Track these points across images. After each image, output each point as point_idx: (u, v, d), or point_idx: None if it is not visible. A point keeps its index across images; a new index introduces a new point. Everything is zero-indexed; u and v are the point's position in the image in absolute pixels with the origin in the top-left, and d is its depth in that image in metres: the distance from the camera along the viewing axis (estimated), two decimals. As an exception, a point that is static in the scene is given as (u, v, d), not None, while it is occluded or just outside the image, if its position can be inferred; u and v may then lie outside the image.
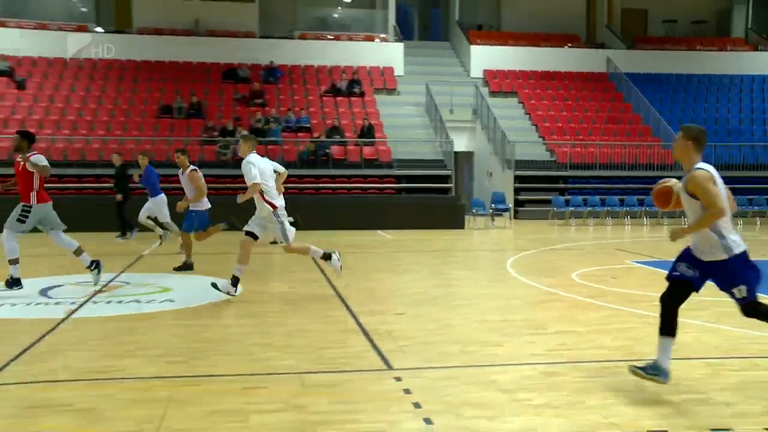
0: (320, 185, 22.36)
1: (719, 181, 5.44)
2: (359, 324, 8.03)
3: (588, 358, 6.66)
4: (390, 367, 6.34)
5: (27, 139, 9.71)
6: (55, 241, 9.99)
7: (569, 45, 30.95)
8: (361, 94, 26.84)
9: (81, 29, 28.44)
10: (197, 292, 10.14)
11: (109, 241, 16.36)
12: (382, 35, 30.30)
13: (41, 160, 9.56)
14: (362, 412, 5.19)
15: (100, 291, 9.98)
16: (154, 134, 23.46)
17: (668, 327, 5.54)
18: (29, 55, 26.60)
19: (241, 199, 9.48)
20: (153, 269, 12.38)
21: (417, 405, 5.29)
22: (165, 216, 15.52)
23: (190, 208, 12.27)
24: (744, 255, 5.46)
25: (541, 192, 23.93)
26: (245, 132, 10.82)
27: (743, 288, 5.41)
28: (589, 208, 22.68)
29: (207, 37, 28.32)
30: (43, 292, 9.88)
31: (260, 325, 8.04)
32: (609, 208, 22.80)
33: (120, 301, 9.35)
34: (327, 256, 9.84)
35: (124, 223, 17.05)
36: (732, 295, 5.47)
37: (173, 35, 28.21)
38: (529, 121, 26.95)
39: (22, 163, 9.58)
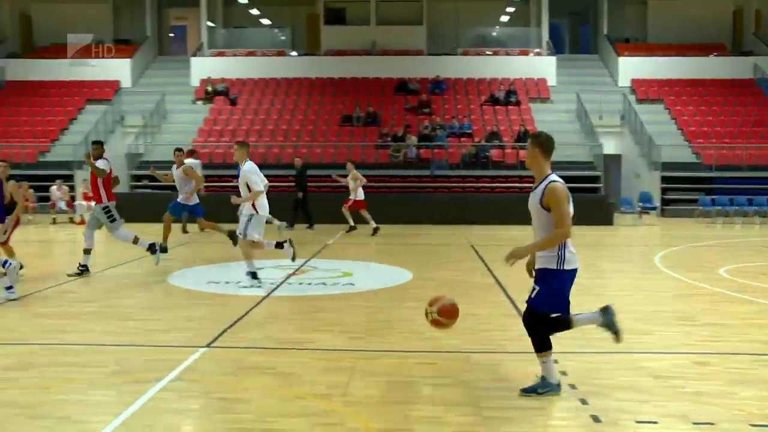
0: (480, 184, 22.12)
1: (570, 197, 4.83)
2: (518, 310, 7.83)
3: (741, 351, 6.14)
4: (547, 350, 6.12)
5: (102, 147, 10.39)
6: (86, 233, 10.25)
7: (715, 54, 28.81)
8: (517, 103, 26.29)
9: (280, 54, 29.86)
10: (375, 277, 10.30)
11: (300, 231, 16.95)
12: (536, 50, 29.56)
13: (104, 164, 10.15)
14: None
15: (293, 274, 10.33)
16: (336, 140, 24.11)
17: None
18: (240, 77, 28.17)
19: (235, 201, 9.53)
20: (337, 256, 12.66)
21: (573, 386, 5.07)
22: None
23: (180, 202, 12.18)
24: (571, 274, 4.80)
25: (687, 192, 22.46)
26: (240, 140, 10.81)
27: (537, 289, 4.84)
28: (735, 208, 21.04)
29: (382, 56, 28.74)
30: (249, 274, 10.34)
31: (429, 308, 8.01)
32: (757, 208, 21.04)
33: (309, 284, 9.63)
34: (279, 245, 9.73)
35: (308, 215, 17.62)
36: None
37: (353, 55, 28.88)
38: (674, 126, 25.34)
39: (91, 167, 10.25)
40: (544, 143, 4.97)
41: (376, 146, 23.54)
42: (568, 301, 4.87)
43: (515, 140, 23.47)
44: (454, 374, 5.42)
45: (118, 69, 27.98)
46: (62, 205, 20.00)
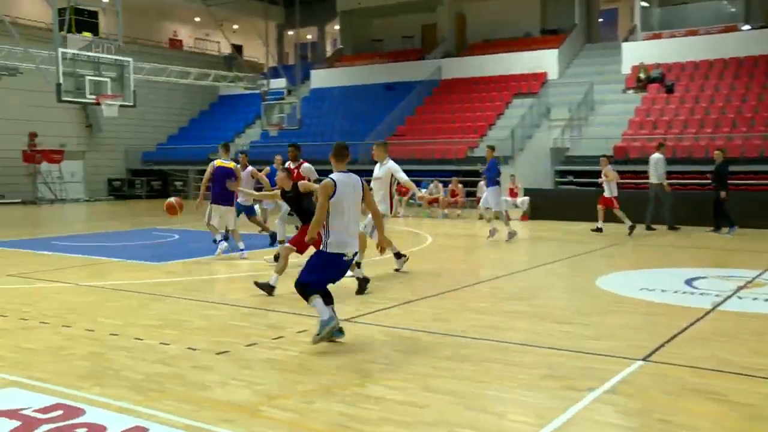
0: None
1: (346, 191, 6.37)
2: None
3: None
4: None
5: (299, 150, 11.91)
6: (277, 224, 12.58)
7: None
8: None
9: (728, 30, 27.59)
10: None
11: (716, 237, 15.55)
12: None
13: (310, 168, 11.58)
14: None
15: (744, 287, 9.53)
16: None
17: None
18: (678, 61, 26.99)
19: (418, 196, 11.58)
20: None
21: None
22: (497, 205, 15.51)
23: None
24: (330, 256, 6.37)
25: None
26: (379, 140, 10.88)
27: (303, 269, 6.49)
28: None
29: None
30: (688, 282, 9.86)
31: None
32: None
33: (766, 300, 8.75)
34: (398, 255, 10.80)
35: (727, 218, 16.00)
36: None
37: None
38: None
39: (295, 169, 11.31)
40: (333, 151, 6.61)
41: None
42: (324, 278, 6.44)
43: None
44: None
45: (545, 60, 29.18)
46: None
